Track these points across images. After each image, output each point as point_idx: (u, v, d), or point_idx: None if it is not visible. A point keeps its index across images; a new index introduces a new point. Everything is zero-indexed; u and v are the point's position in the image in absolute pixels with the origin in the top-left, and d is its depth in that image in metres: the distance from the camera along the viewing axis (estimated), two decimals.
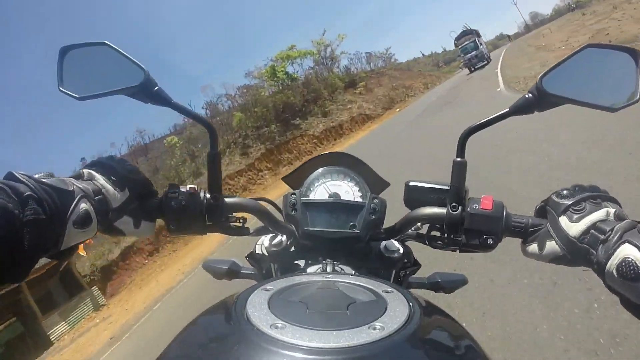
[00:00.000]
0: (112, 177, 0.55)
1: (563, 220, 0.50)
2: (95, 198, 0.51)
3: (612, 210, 0.48)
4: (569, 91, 0.50)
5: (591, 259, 0.47)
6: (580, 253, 0.48)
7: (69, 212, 0.46)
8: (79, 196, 0.48)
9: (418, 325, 0.32)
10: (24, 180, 0.43)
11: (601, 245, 0.46)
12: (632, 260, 0.41)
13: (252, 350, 0.29)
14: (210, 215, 0.61)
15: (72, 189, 0.48)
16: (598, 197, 0.50)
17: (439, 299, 0.69)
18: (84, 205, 0.48)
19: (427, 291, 0.75)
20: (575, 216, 0.49)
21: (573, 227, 0.49)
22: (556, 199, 0.52)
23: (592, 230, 0.47)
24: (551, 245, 0.52)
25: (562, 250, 0.50)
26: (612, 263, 0.43)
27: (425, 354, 0.30)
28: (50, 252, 0.46)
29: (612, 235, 0.45)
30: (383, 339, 0.29)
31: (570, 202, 0.50)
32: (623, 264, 0.42)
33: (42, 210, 0.42)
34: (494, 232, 0.55)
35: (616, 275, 0.43)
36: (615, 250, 0.44)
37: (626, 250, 0.42)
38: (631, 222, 0.45)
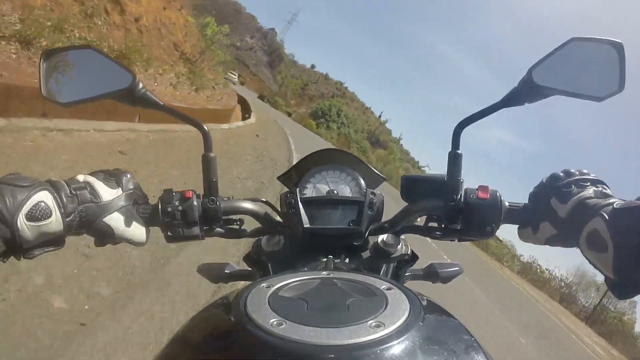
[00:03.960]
0: (104, 175, 0.53)
1: (553, 201, 0.52)
2: (77, 192, 0.47)
3: (597, 190, 0.50)
4: (557, 82, 0.51)
5: (576, 236, 0.48)
6: (569, 231, 0.50)
7: (22, 206, 0.41)
8: (37, 188, 0.43)
9: (418, 323, 0.32)
10: None
11: (580, 220, 0.47)
12: (599, 231, 0.42)
13: (253, 346, 0.29)
14: (207, 219, 0.60)
15: (29, 183, 0.43)
16: (587, 180, 0.52)
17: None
18: (39, 196, 0.43)
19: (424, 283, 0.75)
20: (565, 197, 0.51)
21: (563, 207, 0.51)
22: (547, 183, 0.54)
23: (578, 208, 0.49)
24: (544, 226, 0.54)
25: (555, 229, 0.52)
26: (583, 235, 0.45)
27: (426, 352, 0.30)
28: (11, 253, 0.42)
29: (590, 210, 0.46)
30: (383, 337, 0.29)
31: (559, 184, 0.52)
32: (591, 235, 0.44)
33: None
34: (492, 219, 0.56)
35: (586, 247, 0.44)
36: (587, 222, 0.45)
37: (595, 223, 0.44)
38: (610, 199, 0.47)
